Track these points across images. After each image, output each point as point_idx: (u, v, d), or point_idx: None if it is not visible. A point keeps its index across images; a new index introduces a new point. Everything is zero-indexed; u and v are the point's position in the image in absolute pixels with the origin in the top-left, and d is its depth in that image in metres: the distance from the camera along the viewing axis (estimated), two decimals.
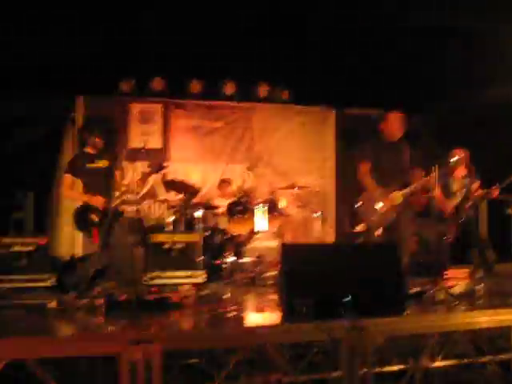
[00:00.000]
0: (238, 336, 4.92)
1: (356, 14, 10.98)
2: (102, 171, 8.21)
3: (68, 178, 8.13)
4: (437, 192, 8.97)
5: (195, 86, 11.96)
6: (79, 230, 8.05)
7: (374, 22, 10.94)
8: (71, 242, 10.99)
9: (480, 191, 9.39)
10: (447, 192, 9.25)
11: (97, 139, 8.24)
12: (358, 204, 8.33)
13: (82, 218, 7.88)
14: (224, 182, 11.43)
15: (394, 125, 8.22)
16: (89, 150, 8.28)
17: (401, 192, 8.01)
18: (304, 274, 5.34)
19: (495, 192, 9.24)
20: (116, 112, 11.52)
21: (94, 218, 7.86)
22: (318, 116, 12.91)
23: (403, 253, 7.41)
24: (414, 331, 5.63)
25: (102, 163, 8.27)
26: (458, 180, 9.40)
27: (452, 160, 8.24)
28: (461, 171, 9.41)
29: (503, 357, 6.16)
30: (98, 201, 7.89)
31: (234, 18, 10.99)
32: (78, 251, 9.93)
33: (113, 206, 7.82)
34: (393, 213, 8.02)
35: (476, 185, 9.43)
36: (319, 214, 10.80)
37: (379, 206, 8.03)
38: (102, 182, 8.14)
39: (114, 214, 7.87)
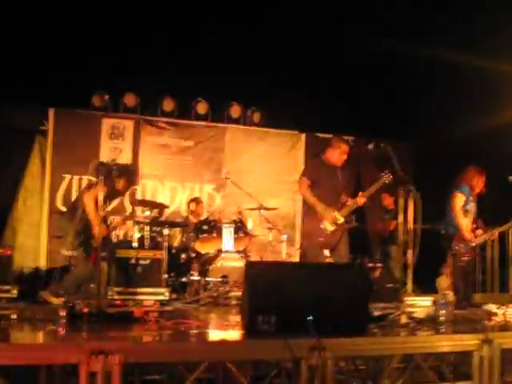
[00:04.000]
0: (199, 350, 4.88)
1: (330, 40, 11.10)
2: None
3: (103, 190, 7.39)
4: (458, 206, 8.98)
5: (168, 104, 11.96)
6: (82, 251, 7.96)
7: (348, 48, 11.06)
8: (34, 254, 10.95)
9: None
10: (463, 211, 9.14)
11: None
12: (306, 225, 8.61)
13: (86, 241, 7.86)
14: (193, 201, 11.40)
15: (337, 153, 8.67)
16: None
17: (341, 212, 8.43)
18: (267, 291, 5.33)
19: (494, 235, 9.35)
20: (87, 126, 11.48)
21: (94, 243, 7.85)
22: (289, 139, 12.96)
23: None
24: (375, 352, 5.62)
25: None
26: (474, 201, 9.26)
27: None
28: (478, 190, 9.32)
29: (464, 383, 6.17)
30: (102, 230, 7.85)
31: (209, 39, 11.04)
32: (43, 263, 9.92)
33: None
34: (338, 233, 8.40)
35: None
36: (286, 236, 10.82)
37: (325, 226, 8.25)
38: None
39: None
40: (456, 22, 10.34)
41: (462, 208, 9.02)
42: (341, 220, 8.37)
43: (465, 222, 9.00)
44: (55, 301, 7.42)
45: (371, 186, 8.56)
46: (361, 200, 8.47)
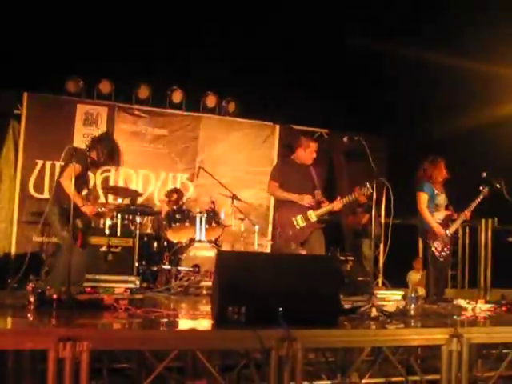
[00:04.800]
0: (168, 339, 4.87)
1: (307, 31, 11.11)
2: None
3: (77, 168, 7.37)
4: (421, 204, 9.04)
5: (143, 92, 11.90)
6: (65, 231, 7.81)
7: (325, 41, 11.09)
8: (7, 240, 10.89)
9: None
10: (432, 206, 9.17)
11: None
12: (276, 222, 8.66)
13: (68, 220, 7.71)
14: (173, 192, 11.32)
15: (307, 154, 8.66)
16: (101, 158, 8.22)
17: (315, 212, 8.42)
18: (238, 282, 5.31)
19: (465, 217, 9.33)
20: (61, 111, 11.38)
21: (79, 223, 7.76)
22: (263, 130, 12.94)
23: None
24: (345, 344, 5.65)
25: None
26: (441, 194, 9.30)
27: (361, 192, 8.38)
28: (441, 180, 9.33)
29: (432, 377, 6.20)
30: (88, 209, 7.79)
31: (187, 27, 11.02)
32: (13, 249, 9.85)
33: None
34: (307, 229, 8.36)
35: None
36: (258, 227, 10.81)
37: (297, 221, 8.25)
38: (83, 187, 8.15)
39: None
40: (432, 22, 10.40)
41: (430, 204, 9.09)
42: (313, 219, 8.38)
43: (436, 217, 9.07)
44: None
45: (350, 196, 8.49)
46: (338, 205, 8.47)
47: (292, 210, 8.43)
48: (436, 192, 9.13)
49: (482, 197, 9.11)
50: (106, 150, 8.17)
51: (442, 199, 9.23)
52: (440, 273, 9.09)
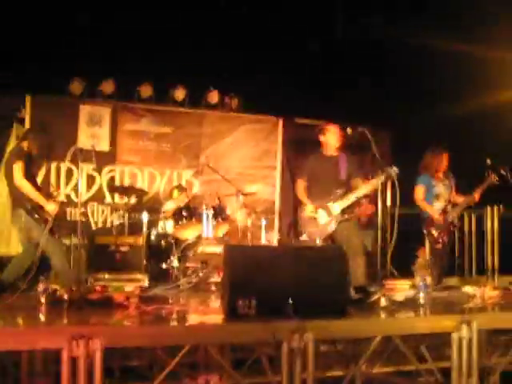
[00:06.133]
0: (179, 335, 4.90)
1: (307, 24, 11.12)
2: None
3: (23, 166, 7.53)
4: (419, 197, 9.10)
5: (145, 90, 11.90)
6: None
7: (327, 32, 11.10)
8: (6, 241, 10.88)
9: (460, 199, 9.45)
10: (431, 196, 9.23)
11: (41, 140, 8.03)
12: (299, 215, 8.44)
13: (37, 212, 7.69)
14: (176, 188, 11.34)
15: (332, 137, 8.37)
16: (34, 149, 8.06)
17: (338, 203, 8.11)
18: (247, 275, 5.35)
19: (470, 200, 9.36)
20: (64, 112, 11.38)
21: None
22: (267, 125, 12.94)
23: (357, 262, 7.52)
24: (356, 334, 5.68)
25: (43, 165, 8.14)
26: (440, 183, 9.37)
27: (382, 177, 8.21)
28: (441, 171, 9.38)
29: (443, 365, 6.23)
30: (51, 207, 7.74)
31: (188, 24, 11.02)
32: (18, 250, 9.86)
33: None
34: (332, 224, 8.10)
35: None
36: (265, 221, 10.83)
37: (319, 217, 8.12)
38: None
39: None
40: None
41: (428, 194, 9.24)
42: (337, 212, 8.10)
43: (436, 207, 9.19)
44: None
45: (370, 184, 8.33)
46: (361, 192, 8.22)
47: (313, 205, 8.20)
48: (434, 182, 9.18)
49: (488, 182, 9.16)
50: (38, 142, 8.05)
51: (441, 188, 9.31)
52: (439, 260, 9.13)
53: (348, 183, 8.34)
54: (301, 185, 8.41)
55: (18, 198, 7.69)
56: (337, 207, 8.10)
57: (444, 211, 9.20)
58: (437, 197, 9.24)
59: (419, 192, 9.17)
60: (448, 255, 9.48)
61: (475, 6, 10.08)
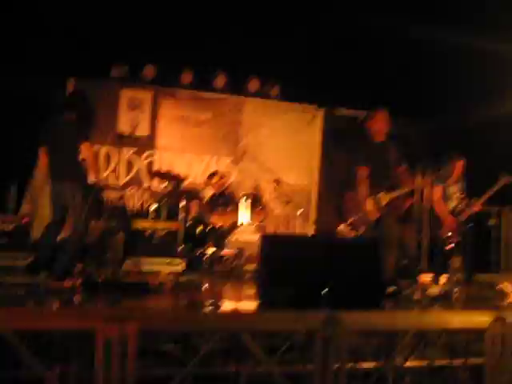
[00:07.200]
0: (213, 320, 4.94)
1: (345, 18, 11.08)
2: None
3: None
4: (436, 196, 9.14)
5: (186, 76, 11.93)
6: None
7: (366, 28, 11.04)
8: None
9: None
10: (444, 196, 9.30)
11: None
12: (344, 203, 8.40)
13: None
14: (213, 174, 11.40)
15: (381, 123, 8.28)
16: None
17: (388, 194, 8.07)
18: (283, 265, 5.37)
19: (477, 206, 9.41)
20: (106, 96, 11.44)
21: None
22: (307, 114, 12.90)
23: (387, 253, 7.48)
24: (389, 327, 5.67)
25: None
26: (454, 185, 9.45)
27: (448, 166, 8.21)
28: (456, 177, 9.48)
29: (477, 361, 6.20)
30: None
31: (228, 12, 11.03)
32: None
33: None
34: (377, 213, 8.06)
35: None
36: (301, 210, 10.84)
37: (365, 203, 8.08)
38: None
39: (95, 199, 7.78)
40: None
41: (442, 196, 9.34)
42: (384, 202, 8.09)
43: (448, 208, 9.39)
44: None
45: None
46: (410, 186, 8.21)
47: (361, 193, 8.16)
48: (446, 183, 9.26)
49: (501, 184, 9.22)
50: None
51: (454, 189, 9.51)
52: (447, 259, 9.20)
53: (396, 171, 8.33)
54: (363, 173, 8.23)
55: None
56: (384, 198, 8.10)
57: (454, 213, 9.39)
58: (450, 196, 9.45)
59: (437, 192, 9.25)
60: (470, 252, 9.50)
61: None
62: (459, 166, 9.34)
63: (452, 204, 9.45)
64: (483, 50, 10.08)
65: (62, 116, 7.78)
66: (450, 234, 9.16)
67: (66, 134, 7.59)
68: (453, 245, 9.14)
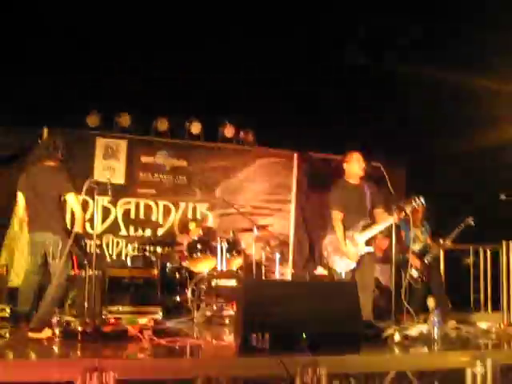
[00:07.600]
0: (193, 367, 4.91)
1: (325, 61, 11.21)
2: None
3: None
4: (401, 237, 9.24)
5: (161, 124, 11.97)
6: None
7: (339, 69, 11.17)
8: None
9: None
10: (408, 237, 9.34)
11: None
12: (323, 246, 8.38)
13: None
14: (190, 221, 11.42)
15: (355, 165, 8.31)
16: None
17: (362, 234, 8.09)
18: (261, 310, 5.36)
19: (446, 245, 9.55)
20: (81, 145, 11.42)
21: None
22: (282, 159, 12.99)
23: (365, 295, 7.49)
24: (369, 369, 5.65)
25: None
26: (417, 227, 9.56)
27: (413, 205, 8.16)
28: (418, 219, 9.61)
29: None
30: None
31: (201, 60, 11.11)
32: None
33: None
34: (356, 255, 8.06)
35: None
36: (279, 254, 10.86)
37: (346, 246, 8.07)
38: None
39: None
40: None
41: (407, 237, 9.40)
42: (361, 242, 8.06)
43: (413, 248, 9.45)
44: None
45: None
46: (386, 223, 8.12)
47: (338, 235, 8.10)
48: (408, 227, 9.28)
49: (463, 225, 9.41)
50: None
51: (419, 231, 9.80)
52: (418, 299, 9.31)
53: (371, 213, 8.34)
54: (337, 216, 8.20)
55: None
56: (361, 239, 8.09)
57: (419, 254, 9.64)
58: (415, 239, 9.64)
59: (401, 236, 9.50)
60: (443, 292, 9.62)
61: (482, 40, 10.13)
62: (419, 210, 9.37)
63: (417, 247, 9.64)
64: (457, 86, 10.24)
65: (38, 164, 7.74)
66: (414, 273, 9.31)
67: (43, 182, 7.53)
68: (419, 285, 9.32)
